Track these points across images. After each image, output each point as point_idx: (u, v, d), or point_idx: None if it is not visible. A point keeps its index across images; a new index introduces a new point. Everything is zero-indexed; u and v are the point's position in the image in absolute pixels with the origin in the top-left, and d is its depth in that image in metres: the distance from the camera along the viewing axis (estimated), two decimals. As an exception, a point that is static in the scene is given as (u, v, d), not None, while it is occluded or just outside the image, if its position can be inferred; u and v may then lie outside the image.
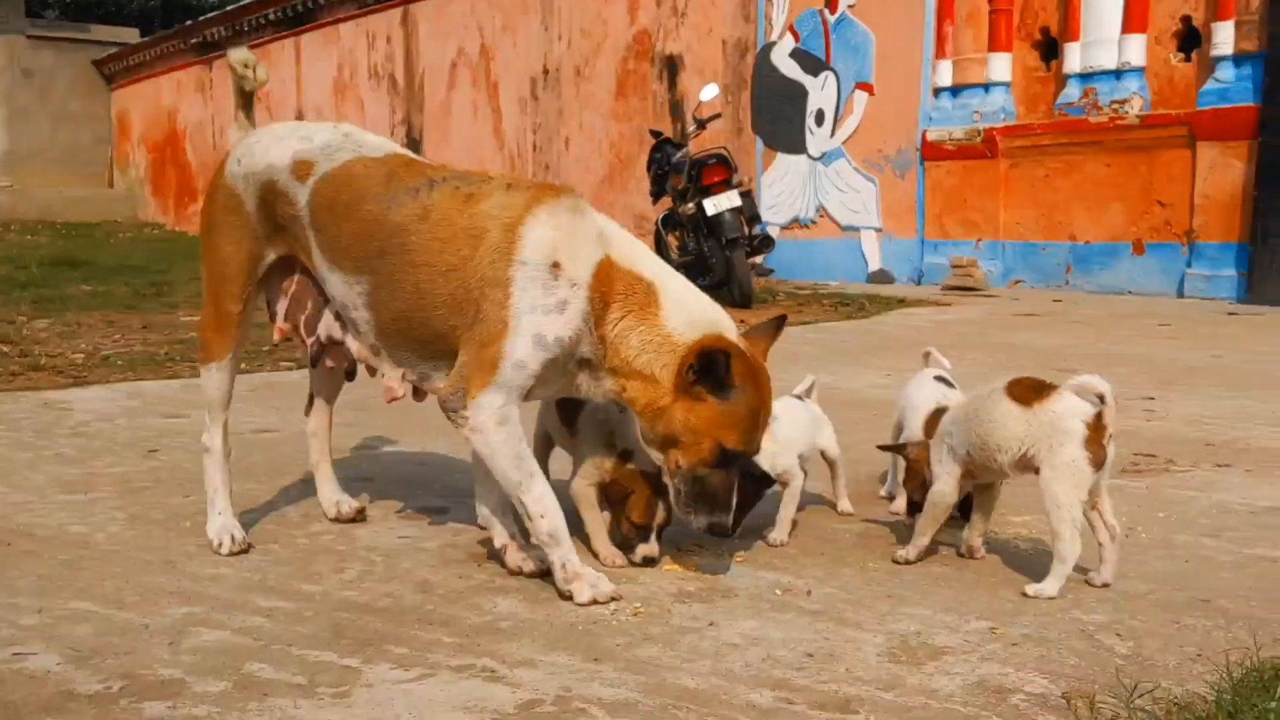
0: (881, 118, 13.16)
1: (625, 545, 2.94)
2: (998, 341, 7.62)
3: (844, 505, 3.46)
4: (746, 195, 10.50)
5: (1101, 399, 2.70)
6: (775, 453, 3.10)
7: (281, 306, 3.12)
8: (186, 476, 3.78)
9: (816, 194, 13.89)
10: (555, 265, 2.61)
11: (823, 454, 3.43)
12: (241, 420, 4.75)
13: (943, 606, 2.61)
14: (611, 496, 2.93)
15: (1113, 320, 8.90)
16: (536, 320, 2.60)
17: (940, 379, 3.42)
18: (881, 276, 13.18)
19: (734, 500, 2.73)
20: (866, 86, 13.31)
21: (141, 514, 3.36)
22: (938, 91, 12.72)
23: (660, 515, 2.89)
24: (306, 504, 3.48)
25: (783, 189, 14.29)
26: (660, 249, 11.20)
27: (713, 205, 10.18)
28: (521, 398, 2.68)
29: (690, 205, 10.50)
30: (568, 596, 2.63)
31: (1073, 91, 11.70)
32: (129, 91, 27.77)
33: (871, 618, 2.53)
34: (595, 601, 2.59)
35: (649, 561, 2.89)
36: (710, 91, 11.42)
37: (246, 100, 3.19)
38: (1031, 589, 2.66)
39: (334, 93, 21.69)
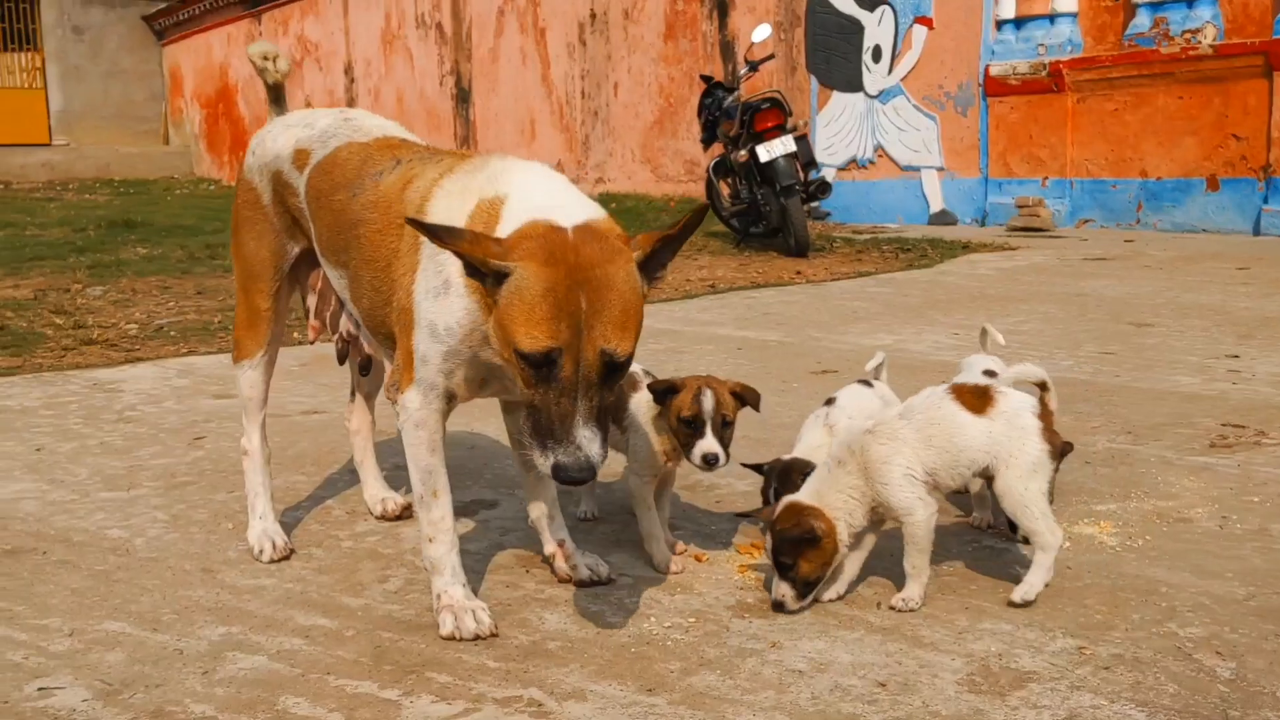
0: (941, 52, 12.73)
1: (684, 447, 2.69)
2: (1068, 291, 7.33)
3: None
4: (801, 140, 10.20)
5: (1043, 386, 2.62)
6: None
7: (312, 302, 3.01)
8: (230, 468, 3.68)
9: (874, 133, 13.52)
10: None
11: None
12: (289, 400, 4.65)
13: (1024, 619, 2.43)
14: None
15: (1186, 263, 8.55)
16: (428, 307, 2.33)
17: (992, 372, 3.17)
18: (943, 218, 12.82)
19: (581, 426, 2.03)
20: (925, 20, 12.87)
21: (184, 514, 3.26)
22: (1000, 24, 12.26)
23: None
24: (353, 498, 3.37)
25: (839, 129, 13.93)
26: (712, 197, 10.96)
27: (766, 151, 9.90)
28: (443, 398, 2.41)
29: (743, 152, 10.22)
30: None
31: (1142, 21, 11.21)
32: (180, 46, 27.73)
33: (948, 636, 2.35)
34: (454, 637, 2.37)
35: (709, 460, 2.63)
36: (762, 32, 11.06)
37: (275, 93, 3.05)
38: (1018, 594, 2.49)
39: (382, 44, 21.48)
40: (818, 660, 2.25)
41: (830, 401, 3.10)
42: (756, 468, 2.98)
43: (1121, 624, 2.39)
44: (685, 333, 6.22)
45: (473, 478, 3.57)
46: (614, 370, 2.08)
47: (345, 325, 2.98)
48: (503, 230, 2.16)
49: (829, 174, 13.37)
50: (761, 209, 10.29)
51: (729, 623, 2.44)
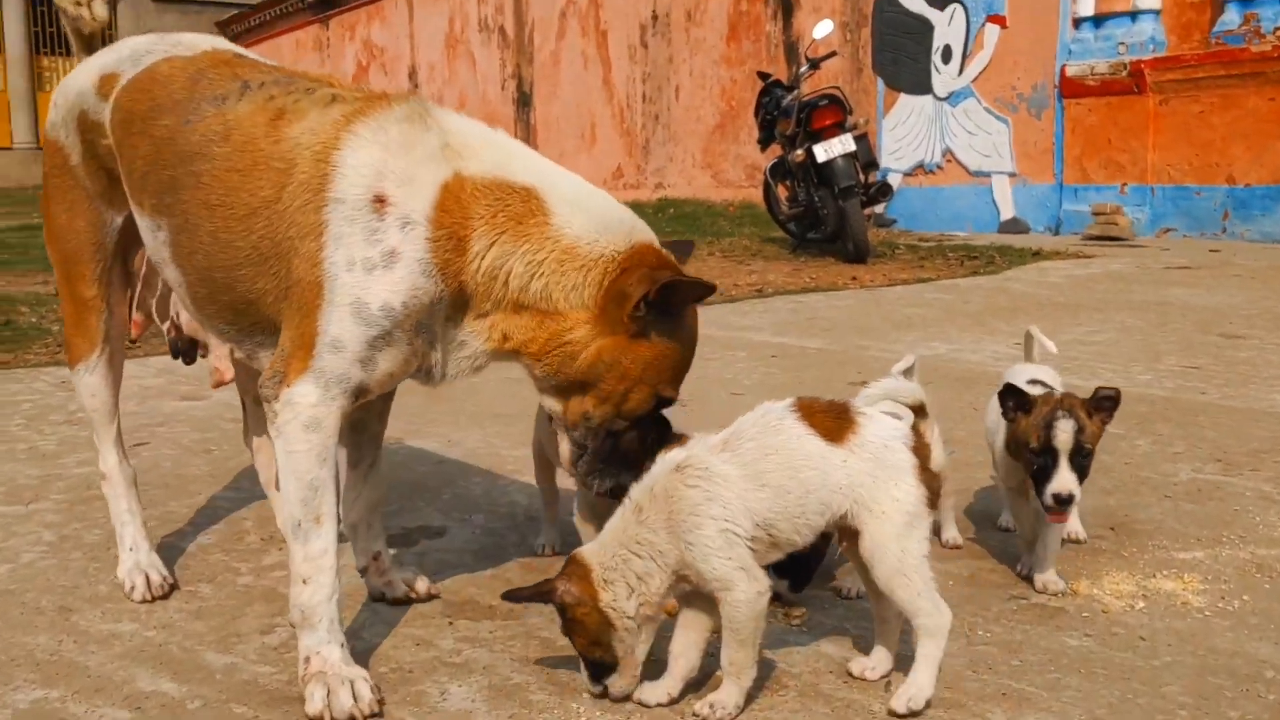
0: (1015, 52, 12.01)
1: None
2: (1147, 299, 6.62)
3: (949, 534, 2.66)
4: (862, 139, 9.55)
5: (918, 410, 1.94)
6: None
7: (136, 292, 2.46)
8: (157, 480, 3.17)
9: (943, 137, 12.81)
10: (379, 200, 1.90)
11: None
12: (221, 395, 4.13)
13: (1086, 711, 1.81)
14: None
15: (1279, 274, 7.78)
16: (356, 282, 1.89)
17: (1037, 381, 2.56)
18: (1015, 226, 12.08)
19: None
20: (998, 19, 12.16)
21: (74, 535, 2.75)
22: (1078, 22, 11.52)
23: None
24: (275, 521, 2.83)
25: (906, 132, 13.24)
26: (769, 200, 10.37)
27: (823, 151, 9.27)
28: (351, 393, 1.94)
29: (800, 152, 9.59)
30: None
31: (1232, 18, 10.42)
32: (252, 50, 27.78)
33: (975, 739, 1.75)
34: (322, 719, 1.81)
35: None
36: (824, 28, 10.44)
37: (85, 43, 2.47)
38: (900, 703, 1.82)
39: (445, 48, 21.19)
40: (790, 770, 1.66)
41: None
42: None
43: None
44: (717, 338, 5.63)
45: (427, 498, 3.01)
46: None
47: (177, 307, 2.43)
48: (570, 229, 1.96)
49: (895, 179, 12.70)
50: (819, 212, 9.67)
51: (685, 707, 1.86)
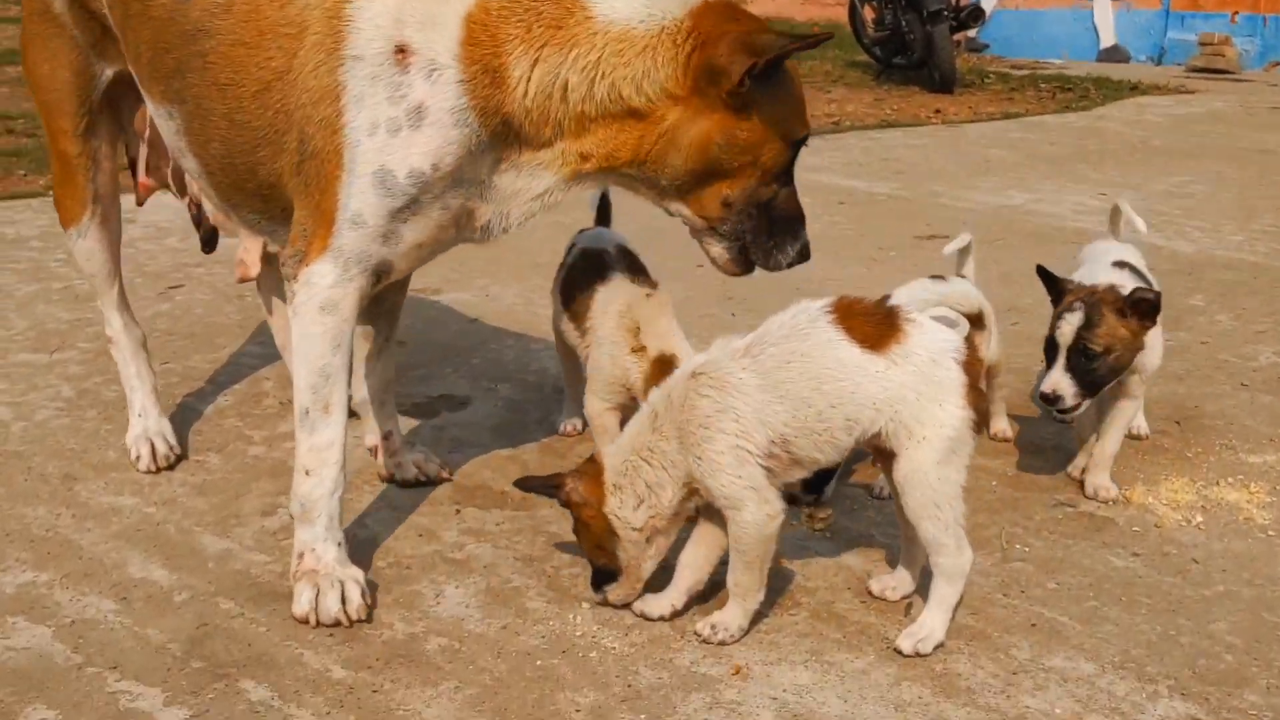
0: None
1: None
2: (1250, 147, 6.21)
3: (999, 425, 2.49)
4: (954, -42, 8.97)
5: (976, 321, 1.75)
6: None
7: (142, 153, 2.29)
8: (185, 329, 3.09)
9: (1045, -45, 12.03)
10: (401, 50, 1.71)
11: None
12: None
13: (1114, 655, 1.67)
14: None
15: (1401, 117, 7.24)
16: (378, 147, 1.72)
17: (1123, 264, 2.33)
18: (1115, 54, 11.40)
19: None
20: None
21: (92, 390, 2.68)
22: None
23: None
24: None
25: (1005, -50, 12.45)
26: (854, 22, 9.85)
27: (911, -29, 8.74)
28: (371, 273, 1.80)
29: (887, -29, 9.06)
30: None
31: None
32: None
33: (994, 680, 1.62)
34: (307, 621, 1.74)
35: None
36: None
37: None
38: (908, 643, 1.68)
39: None
40: (791, 706, 1.55)
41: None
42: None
43: (1262, 675, 1.62)
44: (783, 180, 5.36)
45: (455, 363, 2.89)
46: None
47: (198, 194, 2.28)
48: (619, 12, 1.73)
49: (988, 3, 12.00)
50: (906, 37, 9.17)
51: (687, 625, 1.75)
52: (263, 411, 2.59)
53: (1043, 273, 2.17)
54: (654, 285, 2.14)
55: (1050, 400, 2.07)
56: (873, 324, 1.68)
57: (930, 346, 1.67)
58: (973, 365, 1.68)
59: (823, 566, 1.94)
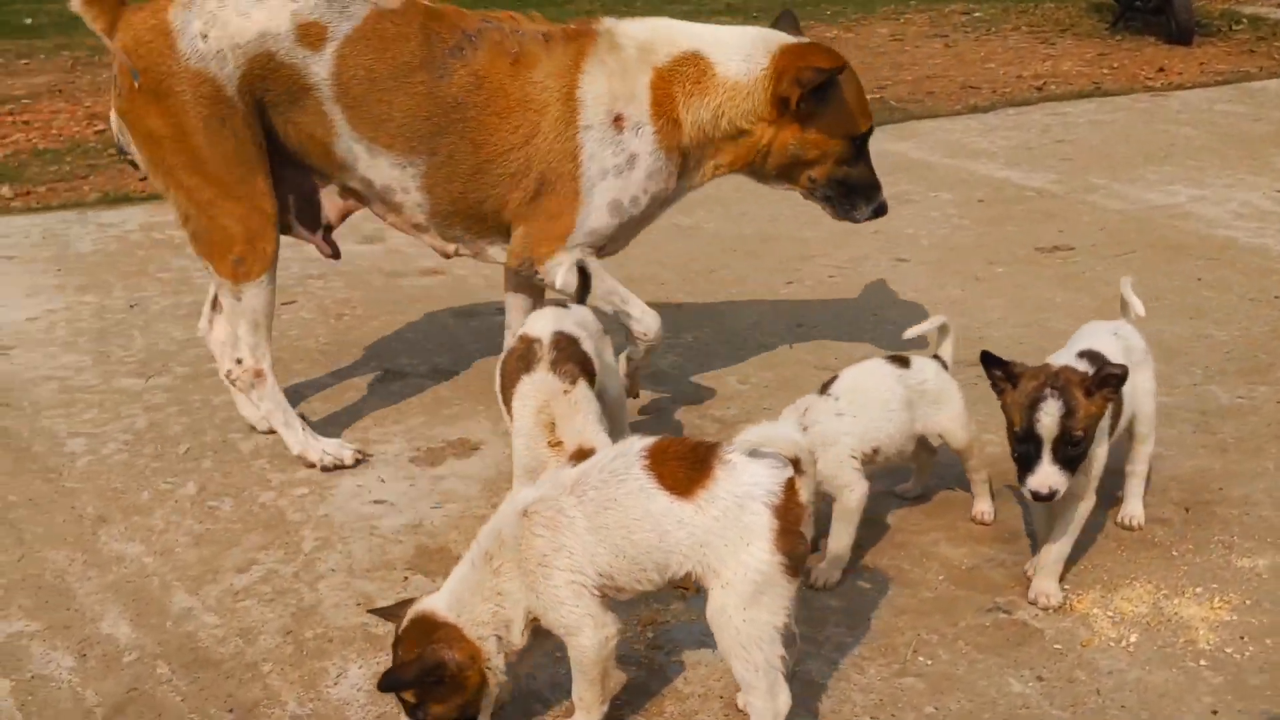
0: None
1: None
2: None
3: (980, 507, 2.42)
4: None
5: (796, 463, 1.66)
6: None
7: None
8: (275, 352, 3.34)
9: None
10: (617, 119, 2.58)
11: (941, 438, 2.38)
12: (376, 255, 4.24)
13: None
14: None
15: None
16: (609, 186, 2.60)
17: (1089, 353, 2.19)
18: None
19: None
20: None
21: (161, 423, 2.96)
22: None
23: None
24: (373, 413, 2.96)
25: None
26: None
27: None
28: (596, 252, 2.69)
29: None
30: None
31: None
32: None
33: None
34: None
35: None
36: None
37: None
38: None
39: None
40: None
41: (826, 387, 2.30)
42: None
43: None
44: (938, 166, 5.20)
45: (490, 402, 3.03)
46: None
47: (338, 211, 2.80)
48: (727, 68, 2.61)
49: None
50: (1143, -21, 8.56)
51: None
52: (289, 454, 2.76)
53: (987, 359, 2.08)
54: (574, 380, 2.18)
55: (1045, 497, 1.99)
56: (685, 468, 1.70)
57: (736, 491, 1.67)
58: (788, 508, 1.67)
59: (681, 670, 1.98)
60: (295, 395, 3.03)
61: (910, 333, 2.40)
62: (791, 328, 3.46)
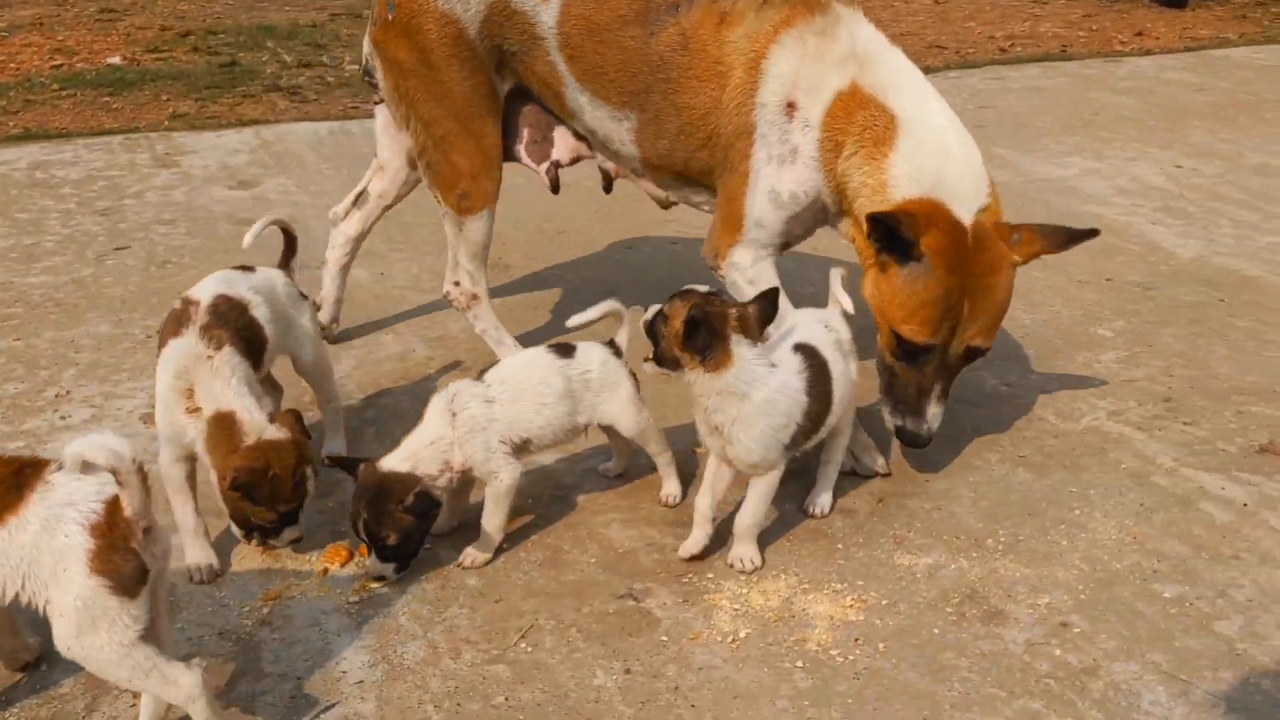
0: None
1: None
2: None
3: (668, 489, 2.38)
4: None
5: (117, 474, 1.54)
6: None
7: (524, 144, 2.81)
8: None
9: None
10: (790, 106, 2.33)
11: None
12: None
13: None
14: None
15: None
16: (771, 173, 2.37)
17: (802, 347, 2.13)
18: None
19: (933, 403, 2.32)
20: None
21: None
22: None
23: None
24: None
25: None
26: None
27: None
28: (778, 250, 2.48)
29: None
30: None
31: None
32: None
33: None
34: None
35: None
36: None
37: None
38: None
39: None
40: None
41: (483, 373, 2.26)
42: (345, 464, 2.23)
43: None
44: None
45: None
46: (972, 359, 2.33)
47: (570, 152, 2.79)
48: (896, 167, 2.24)
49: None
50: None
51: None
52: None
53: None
54: (220, 345, 2.14)
55: None
56: (12, 485, 1.60)
57: (45, 513, 1.58)
58: (109, 525, 1.58)
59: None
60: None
61: (574, 321, 2.32)
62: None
